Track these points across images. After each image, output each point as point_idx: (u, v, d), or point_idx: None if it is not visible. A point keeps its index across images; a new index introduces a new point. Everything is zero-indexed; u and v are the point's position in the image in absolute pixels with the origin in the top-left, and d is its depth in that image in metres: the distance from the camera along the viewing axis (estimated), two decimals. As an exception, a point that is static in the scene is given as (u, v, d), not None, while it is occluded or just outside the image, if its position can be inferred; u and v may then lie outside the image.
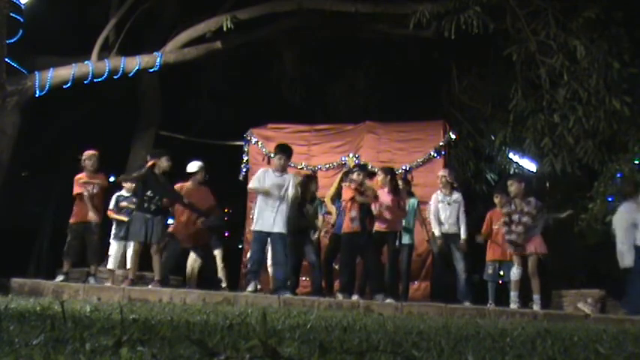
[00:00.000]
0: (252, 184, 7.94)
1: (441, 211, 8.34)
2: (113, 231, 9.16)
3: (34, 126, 11.49)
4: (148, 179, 7.95)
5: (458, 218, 8.30)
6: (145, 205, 7.85)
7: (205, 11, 10.92)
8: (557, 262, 9.72)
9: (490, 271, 8.41)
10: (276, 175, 7.79)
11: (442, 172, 8.70)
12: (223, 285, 8.87)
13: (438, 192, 8.48)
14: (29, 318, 2.89)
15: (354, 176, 7.94)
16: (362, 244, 7.70)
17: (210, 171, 8.91)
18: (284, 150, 8.02)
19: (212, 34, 10.74)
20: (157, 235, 7.80)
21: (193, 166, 8.55)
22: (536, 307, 7.30)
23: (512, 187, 7.77)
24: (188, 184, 8.50)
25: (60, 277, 8.12)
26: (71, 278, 8.48)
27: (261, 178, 7.80)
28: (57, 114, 12.41)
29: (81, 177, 8.49)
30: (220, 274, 9.12)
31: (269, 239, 7.65)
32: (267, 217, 7.61)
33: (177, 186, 8.41)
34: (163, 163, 8.05)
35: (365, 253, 7.77)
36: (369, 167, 9.46)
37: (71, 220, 8.41)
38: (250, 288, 7.47)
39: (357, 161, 10.09)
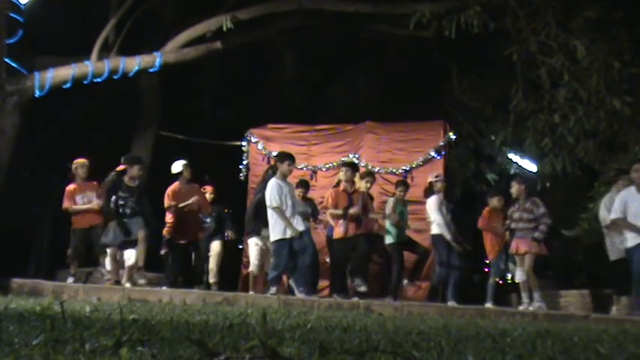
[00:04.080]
0: (274, 203, 7.65)
1: (446, 214, 8.38)
2: None
3: (34, 126, 11.48)
4: (115, 185, 7.93)
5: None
6: (120, 210, 7.82)
7: (205, 11, 10.91)
8: (557, 262, 9.73)
9: (502, 265, 8.35)
10: (285, 183, 7.81)
11: (439, 176, 8.66)
12: (211, 280, 8.84)
13: (439, 196, 8.46)
14: (29, 318, 2.89)
15: (341, 174, 8.20)
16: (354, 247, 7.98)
17: (211, 171, 8.91)
18: (290, 156, 7.98)
19: (212, 34, 10.73)
20: (136, 228, 7.80)
21: (177, 166, 8.49)
22: (537, 304, 7.30)
23: (514, 188, 7.78)
24: (176, 184, 8.45)
25: (70, 280, 8.12)
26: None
27: (278, 191, 7.66)
28: (57, 114, 12.40)
29: (72, 189, 8.42)
30: (211, 271, 9.09)
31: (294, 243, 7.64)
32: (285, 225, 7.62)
33: (169, 189, 8.37)
34: (134, 171, 7.97)
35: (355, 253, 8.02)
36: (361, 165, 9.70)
37: (73, 227, 8.39)
38: (271, 291, 7.57)
39: (357, 162, 10.10)
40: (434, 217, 8.35)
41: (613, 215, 7.25)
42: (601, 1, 9.22)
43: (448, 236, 8.25)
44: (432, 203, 8.42)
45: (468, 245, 8.64)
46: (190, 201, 8.25)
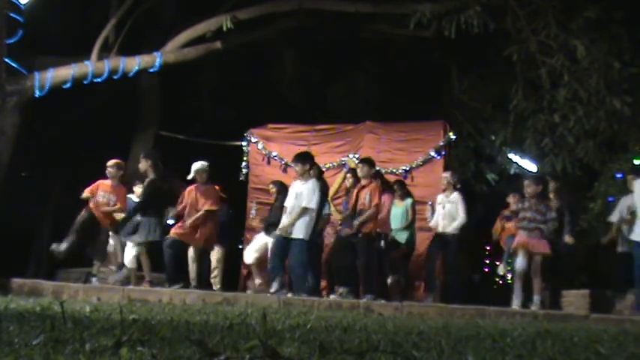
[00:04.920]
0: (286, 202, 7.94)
1: (438, 211, 8.42)
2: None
3: (34, 126, 11.49)
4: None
5: (451, 217, 8.35)
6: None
7: (205, 11, 10.91)
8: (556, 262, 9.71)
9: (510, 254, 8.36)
10: (301, 182, 7.79)
11: (445, 174, 8.73)
12: (216, 288, 8.81)
13: (440, 194, 8.55)
14: (29, 318, 2.89)
15: (358, 171, 8.19)
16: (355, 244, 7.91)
17: (211, 171, 8.88)
18: (305, 157, 7.98)
19: (212, 34, 10.73)
20: (145, 236, 7.89)
21: (192, 172, 8.39)
22: (534, 308, 7.28)
23: (530, 188, 7.70)
24: (192, 187, 8.42)
25: (94, 280, 8.16)
26: (71, 278, 8.46)
27: (289, 191, 7.90)
28: (57, 114, 12.42)
29: (100, 184, 8.35)
30: (213, 277, 9.09)
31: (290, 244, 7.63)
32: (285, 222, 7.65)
33: (186, 191, 8.39)
34: (138, 166, 8.20)
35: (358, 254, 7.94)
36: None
37: (102, 225, 8.33)
38: (274, 288, 7.51)
39: (357, 161, 10.10)
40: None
41: (613, 219, 7.39)
42: (601, 1, 9.22)
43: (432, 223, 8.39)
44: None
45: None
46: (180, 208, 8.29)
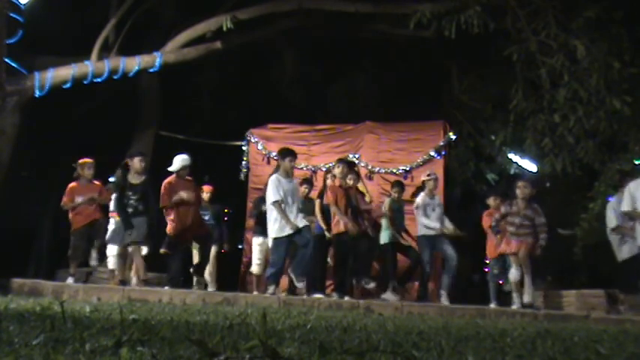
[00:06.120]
0: (272, 198, 7.53)
1: (431, 213, 8.42)
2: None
3: (34, 126, 11.49)
4: (121, 183, 7.91)
5: (441, 219, 8.54)
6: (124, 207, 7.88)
7: (205, 11, 10.92)
8: (557, 262, 9.73)
9: (496, 270, 8.37)
10: (288, 180, 7.72)
11: (432, 174, 8.70)
12: (210, 289, 8.77)
13: (424, 194, 8.56)
14: (29, 318, 2.89)
15: (336, 170, 8.22)
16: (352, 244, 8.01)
17: (211, 171, 8.88)
18: (291, 152, 7.89)
19: (212, 34, 10.74)
20: (136, 236, 7.76)
21: (176, 165, 8.24)
22: (526, 300, 7.34)
23: (527, 189, 7.59)
24: (173, 177, 8.22)
25: (70, 280, 8.05)
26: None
27: (277, 185, 7.55)
28: (57, 114, 12.41)
29: (73, 187, 8.35)
30: (208, 274, 9.05)
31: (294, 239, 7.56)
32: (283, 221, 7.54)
33: (165, 182, 8.20)
34: (136, 164, 7.92)
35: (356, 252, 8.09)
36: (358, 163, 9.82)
37: (72, 228, 8.29)
38: (270, 291, 7.49)
39: (357, 162, 10.09)
40: (417, 216, 8.52)
41: (624, 208, 7.36)
42: (601, 1, 9.21)
43: (433, 230, 8.36)
44: (416, 202, 8.54)
45: (463, 232, 8.84)
46: (184, 196, 8.04)
